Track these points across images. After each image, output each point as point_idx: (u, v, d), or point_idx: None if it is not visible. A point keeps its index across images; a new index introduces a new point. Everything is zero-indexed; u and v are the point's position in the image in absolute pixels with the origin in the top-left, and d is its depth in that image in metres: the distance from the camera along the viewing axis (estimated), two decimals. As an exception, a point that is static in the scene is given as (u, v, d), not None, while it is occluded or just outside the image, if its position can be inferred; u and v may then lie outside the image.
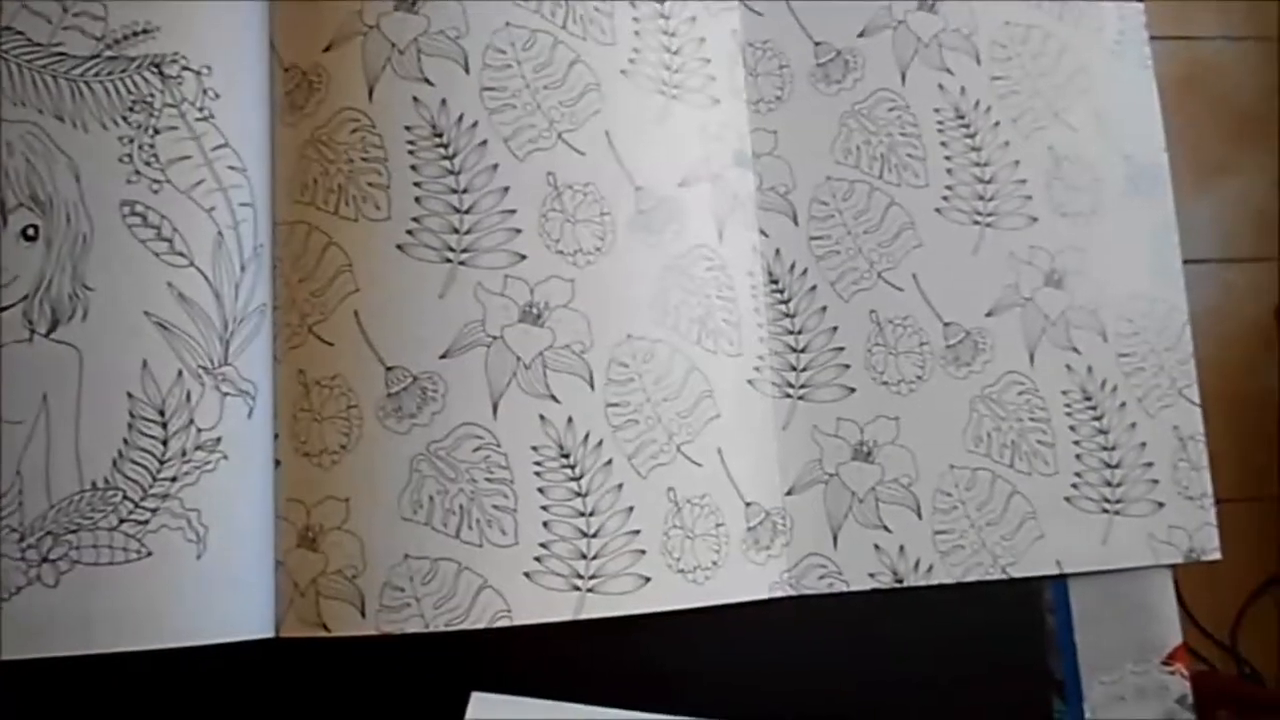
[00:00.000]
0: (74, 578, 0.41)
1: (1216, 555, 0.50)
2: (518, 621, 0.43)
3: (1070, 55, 0.53)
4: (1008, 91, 0.52)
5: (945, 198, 0.51)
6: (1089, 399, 0.51)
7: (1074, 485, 0.50)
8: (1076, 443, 0.50)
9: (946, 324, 0.50)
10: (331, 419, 0.44)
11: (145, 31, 0.45)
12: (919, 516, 0.48)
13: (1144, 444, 0.51)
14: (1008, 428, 0.50)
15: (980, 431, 0.50)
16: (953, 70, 0.52)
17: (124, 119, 0.44)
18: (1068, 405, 0.50)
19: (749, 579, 0.46)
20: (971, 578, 0.48)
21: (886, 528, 0.48)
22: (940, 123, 0.52)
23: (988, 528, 0.49)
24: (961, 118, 0.52)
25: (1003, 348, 0.50)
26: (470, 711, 0.44)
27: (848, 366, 0.49)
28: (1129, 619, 0.50)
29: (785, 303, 0.50)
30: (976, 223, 0.51)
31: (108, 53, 0.44)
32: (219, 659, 0.43)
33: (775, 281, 0.50)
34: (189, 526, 0.42)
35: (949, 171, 0.51)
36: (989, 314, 0.51)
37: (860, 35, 0.52)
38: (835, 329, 0.50)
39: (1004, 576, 0.48)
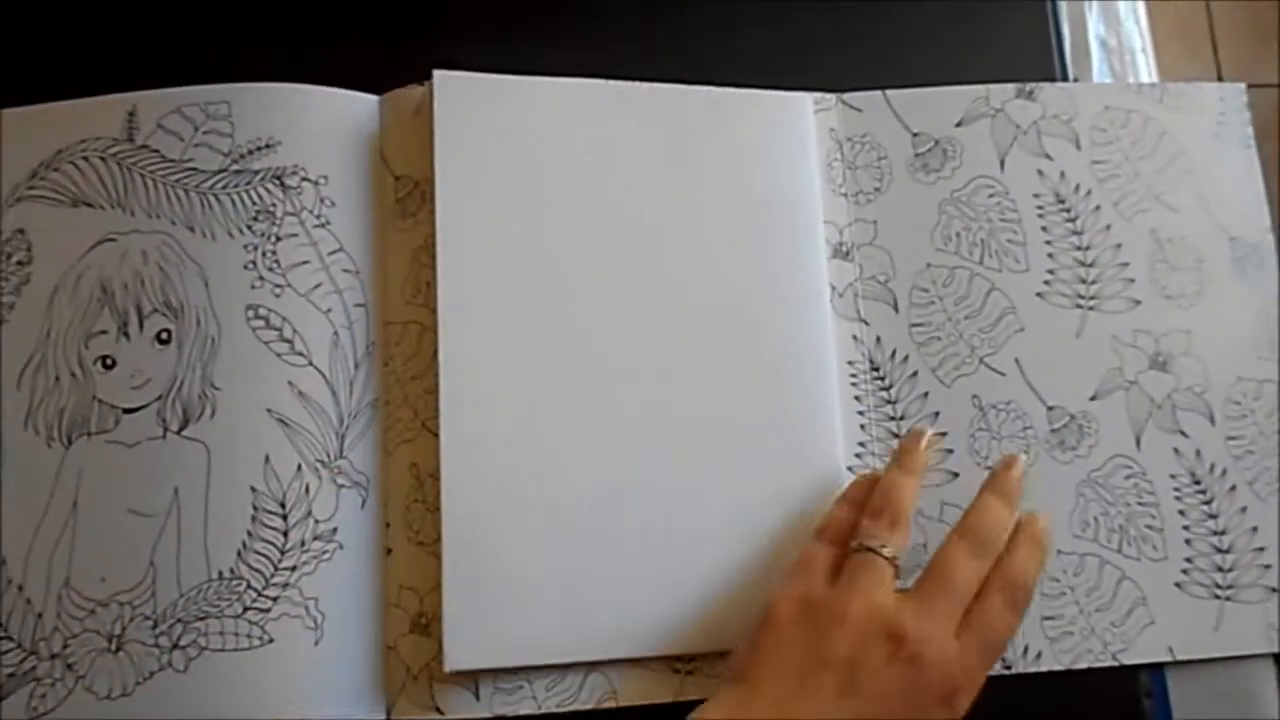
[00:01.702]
0: (201, 664, 0.44)
1: (1330, 642, 0.49)
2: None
3: (1170, 138, 0.53)
4: (1108, 175, 0.52)
5: (1047, 282, 0.51)
6: (1198, 482, 0.50)
7: (1184, 571, 0.49)
8: (1186, 527, 0.49)
9: (1050, 408, 0.50)
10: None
11: (268, 146, 0.48)
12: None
13: (1255, 528, 0.49)
14: (1115, 512, 0.49)
15: (1087, 516, 0.49)
16: (1052, 155, 0.52)
17: (249, 228, 0.47)
18: (1176, 489, 0.49)
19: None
20: (1081, 665, 0.47)
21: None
22: (1040, 208, 0.52)
23: (1096, 614, 0.48)
24: (1062, 202, 0.52)
25: (1108, 431, 0.50)
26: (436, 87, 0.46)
27: (950, 451, 0.49)
28: (1228, 706, 0.49)
29: (887, 389, 0.50)
30: (1079, 306, 0.51)
31: (234, 166, 0.48)
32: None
33: (877, 369, 0.50)
34: (307, 614, 0.44)
35: (1050, 255, 0.51)
36: (1093, 398, 0.50)
37: (958, 125, 0.53)
38: (937, 414, 0.49)
39: (1115, 663, 0.47)
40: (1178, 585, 0.48)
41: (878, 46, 0.55)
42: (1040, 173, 0.52)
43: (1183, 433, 0.50)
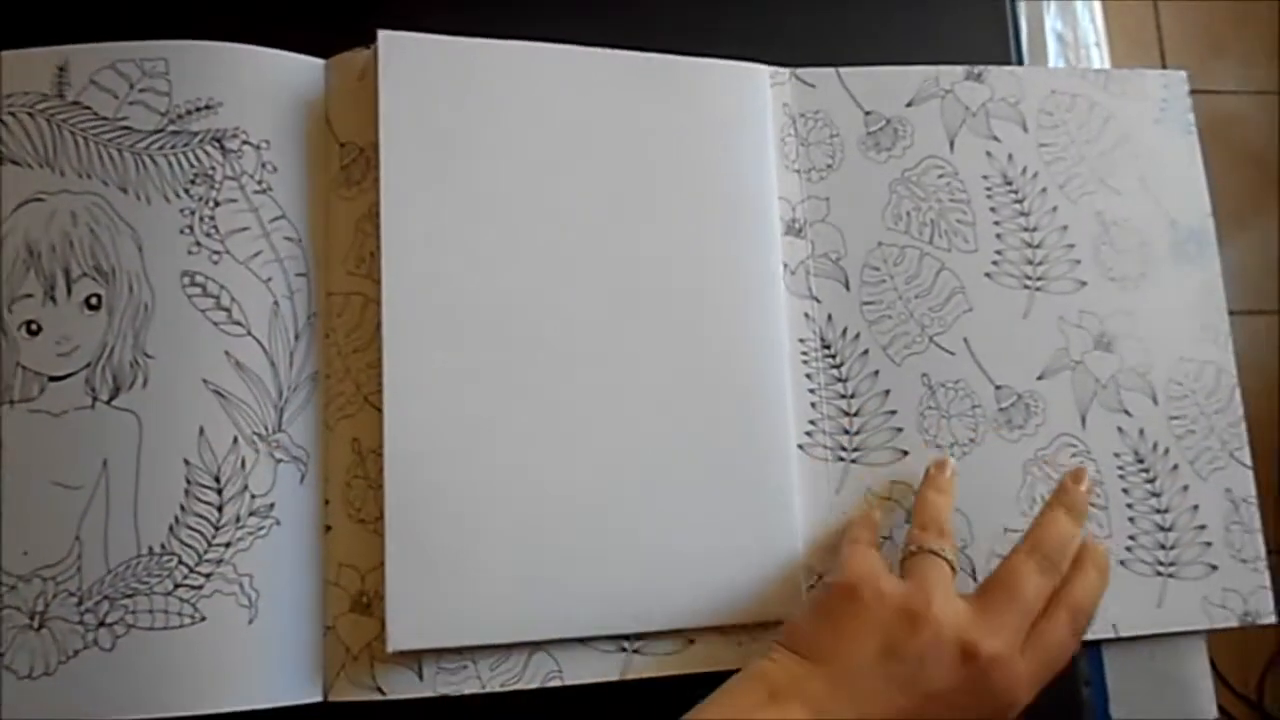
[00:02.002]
0: (129, 642, 0.42)
1: (1272, 619, 0.50)
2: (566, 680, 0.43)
3: (1115, 123, 0.54)
4: (1054, 158, 0.53)
5: (995, 262, 0.52)
6: (1141, 461, 0.50)
7: (1128, 548, 0.50)
8: (1130, 505, 0.50)
9: (998, 387, 0.50)
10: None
11: (208, 107, 0.46)
12: (974, 579, 0.48)
13: (1196, 506, 0.50)
14: None
15: (1034, 494, 0.49)
16: (1000, 138, 0.53)
17: (186, 191, 0.45)
18: (1120, 468, 0.50)
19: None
20: None
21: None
22: (989, 189, 0.53)
23: None
24: (1009, 184, 0.53)
25: (1055, 410, 0.50)
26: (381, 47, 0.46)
27: (900, 430, 0.49)
28: (1164, 693, 0.49)
29: (838, 367, 0.50)
30: (1026, 287, 0.52)
31: (171, 127, 0.46)
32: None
33: (828, 346, 0.50)
34: (241, 592, 0.43)
35: (998, 236, 0.52)
36: (1040, 377, 0.51)
37: (909, 105, 0.53)
38: (888, 392, 0.50)
39: None
40: (1122, 563, 0.49)
41: (835, 30, 0.55)
42: (989, 154, 0.53)
43: (1126, 412, 0.51)
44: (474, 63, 0.48)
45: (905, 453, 0.48)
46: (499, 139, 0.47)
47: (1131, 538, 0.50)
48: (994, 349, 0.50)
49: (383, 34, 0.47)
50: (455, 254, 0.46)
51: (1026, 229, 0.52)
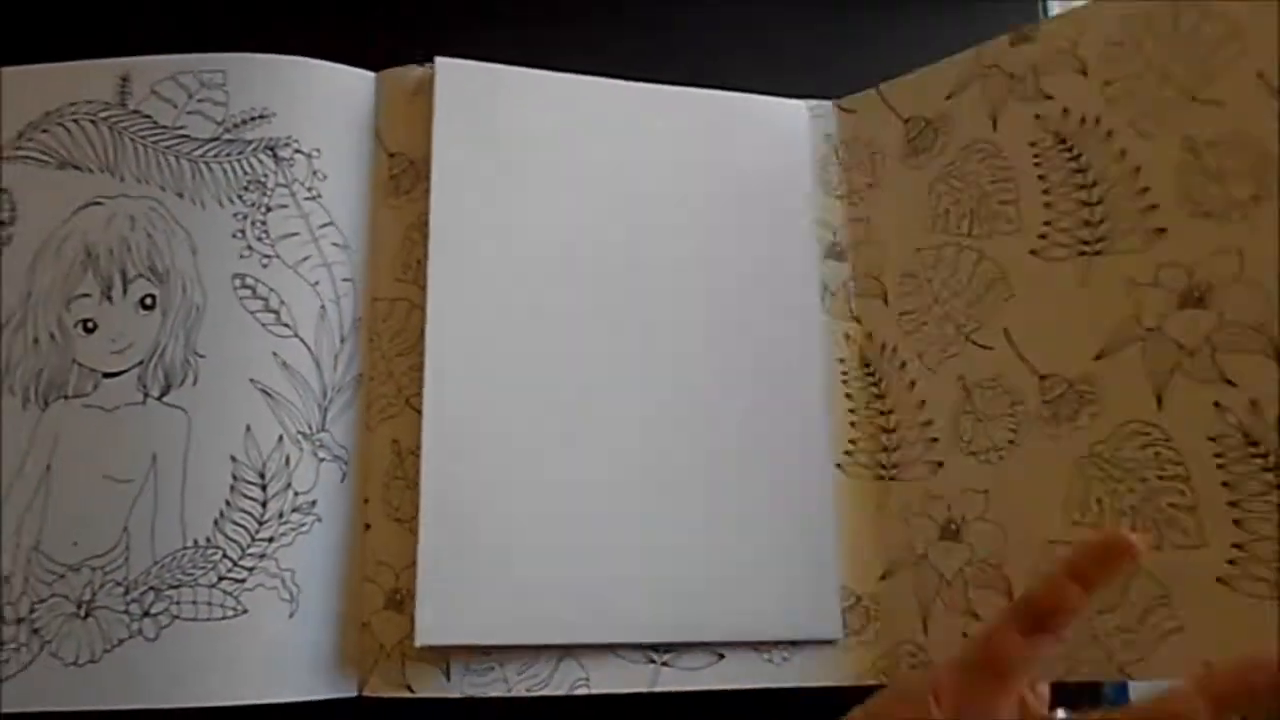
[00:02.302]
0: (173, 632, 0.43)
1: None
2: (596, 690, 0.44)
3: (1211, 25, 0.43)
4: (1124, 92, 0.45)
5: (1042, 235, 0.46)
6: (1254, 445, 0.39)
7: (1231, 561, 0.38)
8: (1234, 503, 0.39)
9: (1043, 377, 0.45)
10: (424, 485, 0.45)
11: (262, 116, 0.48)
12: (1008, 597, 0.45)
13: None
14: (1125, 489, 0.41)
15: (1089, 497, 0.42)
16: (1052, 94, 0.47)
17: (239, 197, 0.47)
18: (1219, 455, 0.39)
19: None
20: (1076, 678, 0.40)
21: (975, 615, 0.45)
22: (1036, 156, 0.47)
23: (1100, 616, 0.40)
24: (1063, 141, 0.46)
25: (1117, 394, 0.42)
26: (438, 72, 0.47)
27: (935, 440, 0.48)
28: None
29: (876, 384, 0.50)
30: (1083, 253, 0.44)
31: (226, 135, 0.47)
32: (301, 716, 0.43)
33: (867, 364, 0.50)
34: (283, 586, 0.44)
35: (1047, 205, 0.46)
36: (1098, 356, 0.43)
37: (948, 98, 0.50)
38: (923, 403, 0.49)
39: (1122, 679, 0.42)
40: (1220, 580, 0.39)
41: (875, 52, 0.56)
42: (1037, 117, 0.47)
43: (1229, 382, 0.40)
44: (523, 91, 0.49)
45: (940, 464, 0.48)
46: (545, 163, 0.49)
47: (1238, 546, 0.39)
48: (1039, 334, 0.45)
49: (440, 61, 0.49)
50: (500, 267, 0.47)
51: (1083, 185, 0.45)
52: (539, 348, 0.47)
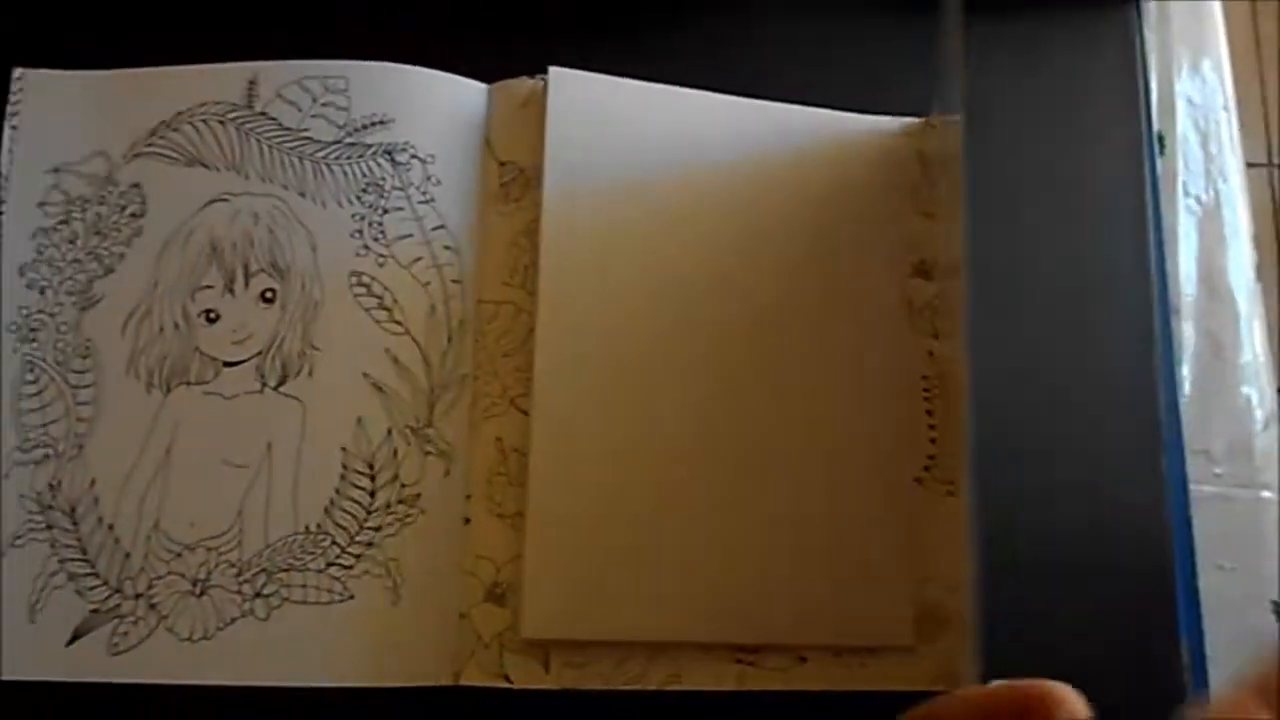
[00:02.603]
0: (282, 614, 0.45)
1: None
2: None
3: None
4: None
5: None
6: None
7: None
8: None
9: None
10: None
11: (382, 122, 0.50)
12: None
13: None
14: None
15: None
16: None
17: (358, 198, 0.49)
18: None
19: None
20: None
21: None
22: None
23: None
24: None
25: None
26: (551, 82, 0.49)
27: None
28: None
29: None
30: None
31: (348, 139, 0.49)
32: (399, 702, 0.45)
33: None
34: (387, 574, 0.45)
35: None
36: None
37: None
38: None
39: None
40: None
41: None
42: None
43: None
44: (633, 103, 0.51)
45: None
46: (652, 175, 0.50)
47: None
48: None
49: (554, 71, 0.50)
50: (606, 274, 0.49)
51: None
52: (643, 355, 0.48)
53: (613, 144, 0.50)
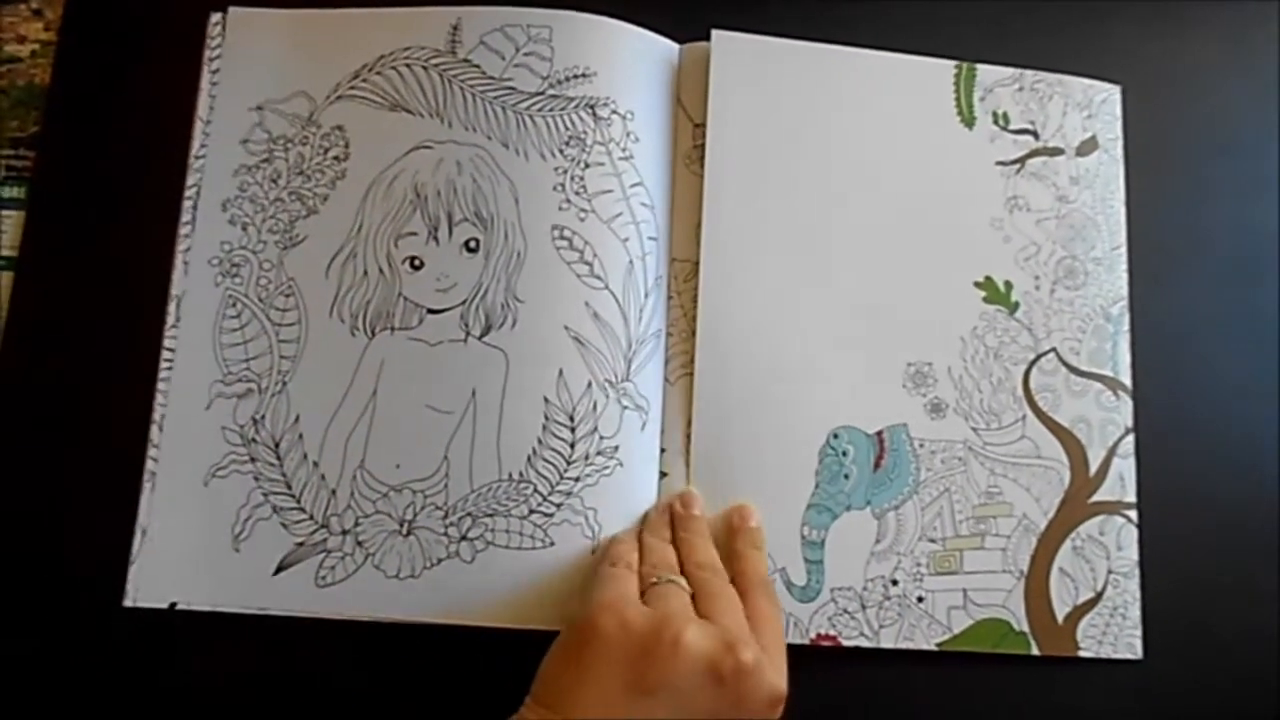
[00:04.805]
0: (486, 557, 0.46)
1: None
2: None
3: None
4: None
5: None
6: None
7: None
8: None
9: None
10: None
11: (584, 75, 0.50)
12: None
13: None
14: None
15: None
16: None
17: (560, 151, 0.49)
18: None
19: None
20: None
21: None
22: None
23: None
24: None
25: None
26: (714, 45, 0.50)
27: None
28: None
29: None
30: None
31: (550, 91, 0.50)
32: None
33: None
34: (586, 523, 0.47)
35: None
36: None
37: None
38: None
39: None
40: None
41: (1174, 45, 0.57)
42: None
43: None
44: (794, 62, 0.52)
45: None
46: (812, 132, 0.52)
47: None
48: None
49: (716, 34, 0.51)
50: (768, 233, 0.50)
51: None
52: (797, 308, 0.50)
53: (773, 103, 0.51)
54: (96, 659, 0.46)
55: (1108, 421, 0.51)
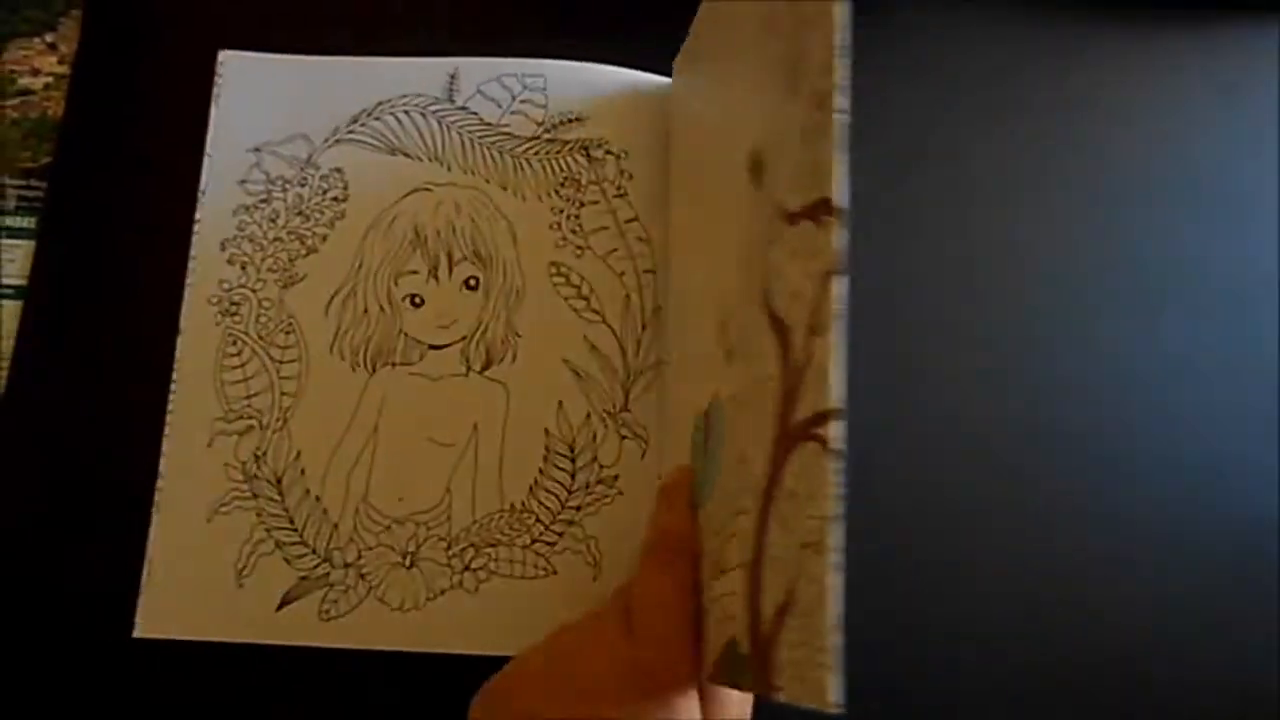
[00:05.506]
0: (490, 587, 0.47)
1: None
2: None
3: None
4: None
5: None
6: None
7: None
8: None
9: None
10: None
11: (578, 119, 0.52)
12: None
13: None
14: None
15: None
16: None
17: (556, 192, 0.51)
18: None
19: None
20: None
21: None
22: None
23: None
24: None
25: None
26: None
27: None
28: None
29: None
30: None
31: (546, 135, 0.51)
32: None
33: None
34: (588, 551, 0.47)
35: None
36: None
37: None
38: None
39: None
40: None
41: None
42: None
43: None
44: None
45: None
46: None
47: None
48: None
49: (676, 71, 0.52)
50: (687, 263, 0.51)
51: None
52: None
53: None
54: (106, 689, 0.46)
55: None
